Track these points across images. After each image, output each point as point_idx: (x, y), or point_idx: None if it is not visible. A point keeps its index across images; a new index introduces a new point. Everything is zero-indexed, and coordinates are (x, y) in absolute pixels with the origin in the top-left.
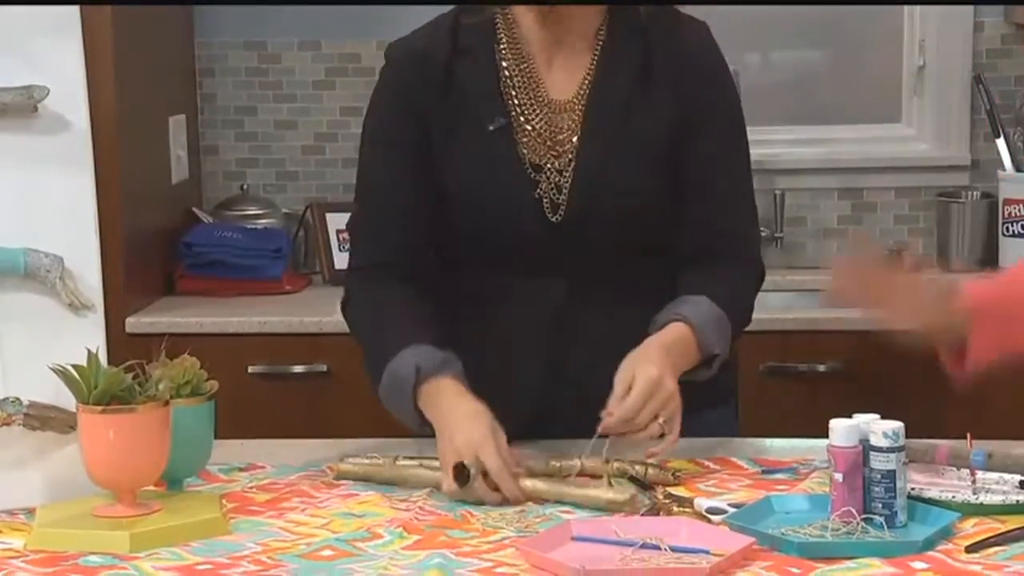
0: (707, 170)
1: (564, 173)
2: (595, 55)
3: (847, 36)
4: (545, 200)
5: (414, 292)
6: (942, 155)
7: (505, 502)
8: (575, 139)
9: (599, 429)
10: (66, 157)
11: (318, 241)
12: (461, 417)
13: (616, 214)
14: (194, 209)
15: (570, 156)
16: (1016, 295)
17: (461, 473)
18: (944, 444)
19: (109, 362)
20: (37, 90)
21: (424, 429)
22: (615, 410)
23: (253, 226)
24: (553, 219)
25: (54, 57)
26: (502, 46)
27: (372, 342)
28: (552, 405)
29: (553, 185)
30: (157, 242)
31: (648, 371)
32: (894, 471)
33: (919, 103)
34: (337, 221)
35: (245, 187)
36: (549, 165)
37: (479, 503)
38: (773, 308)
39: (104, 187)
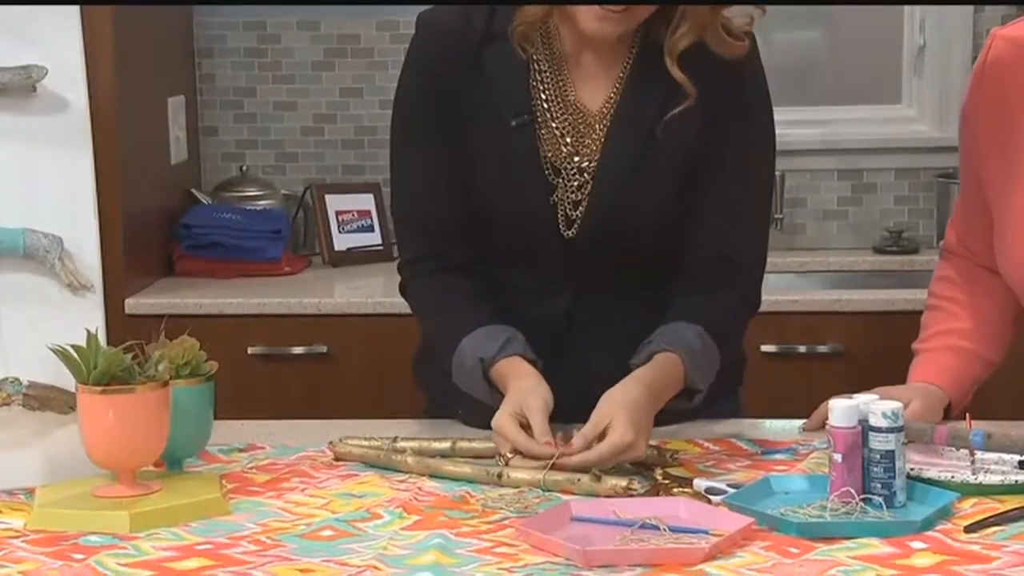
0: (720, 193)
1: (583, 190)
2: (626, 66)
3: (847, 16)
4: (560, 211)
5: (469, 279)
6: (942, 136)
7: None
8: (597, 157)
9: (553, 459)
10: (65, 137)
11: (317, 222)
12: (505, 397)
13: (631, 239)
14: (193, 190)
15: (588, 175)
16: (953, 359)
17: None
18: (943, 424)
19: (108, 343)
20: (36, 70)
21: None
22: (577, 451)
23: (252, 207)
24: (566, 234)
25: (53, 37)
26: (533, 39)
27: (436, 333)
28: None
29: (569, 197)
30: (156, 223)
31: (624, 431)
32: (893, 451)
33: (919, 83)
34: (336, 202)
35: (244, 168)
36: (568, 171)
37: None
38: (773, 290)
39: (103, 168)
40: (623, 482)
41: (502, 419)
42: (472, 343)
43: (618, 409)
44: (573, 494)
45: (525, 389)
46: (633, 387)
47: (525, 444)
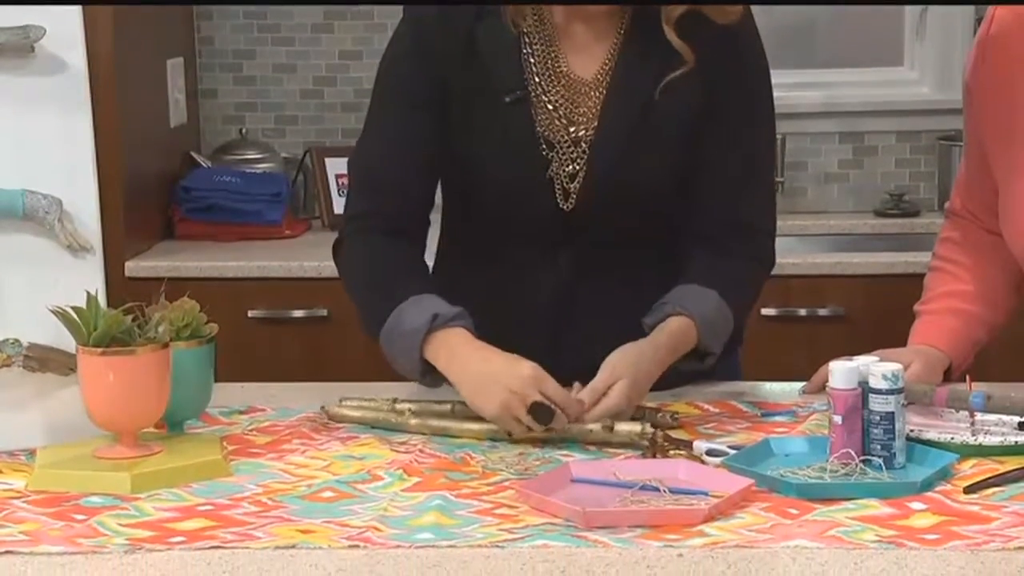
0: (727, 159)
1: (578, 162)
2: (619, 34)
3: None
4: (556, 184)
5: (414, 248)
6: (944, 98)
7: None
8: (593, 126)
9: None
10: (63, 98)
11: (317, 186)
12: (501, 362)
13: (629, 209)
14: (192, 153)
15: (585, 145)
16: (955, 321)
17: (542, 412)
18: (943, 386)
19: (108, 306)
20: (34, 30)
21: (424, 379)
22: (586, 404)
23: (252, 171)
24: (564, 206)
25: None
26: (525, 13)
27: (373, 287)
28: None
29: (565, 170)
30: (156, 186)
31: (619, 400)
32: (893, 413)
33: (921, 46)
34: (336, 166)
35: (244, 131)
36: (562, 144)
37: (477, 440)
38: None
39: (102, 130)
40: (636, 428)
41: (538, 372)
42: (424, 301)
43: (625, 375)
44: (589, 444)
45: (520, 358)
46: (648, 354)
47: (565, 398)
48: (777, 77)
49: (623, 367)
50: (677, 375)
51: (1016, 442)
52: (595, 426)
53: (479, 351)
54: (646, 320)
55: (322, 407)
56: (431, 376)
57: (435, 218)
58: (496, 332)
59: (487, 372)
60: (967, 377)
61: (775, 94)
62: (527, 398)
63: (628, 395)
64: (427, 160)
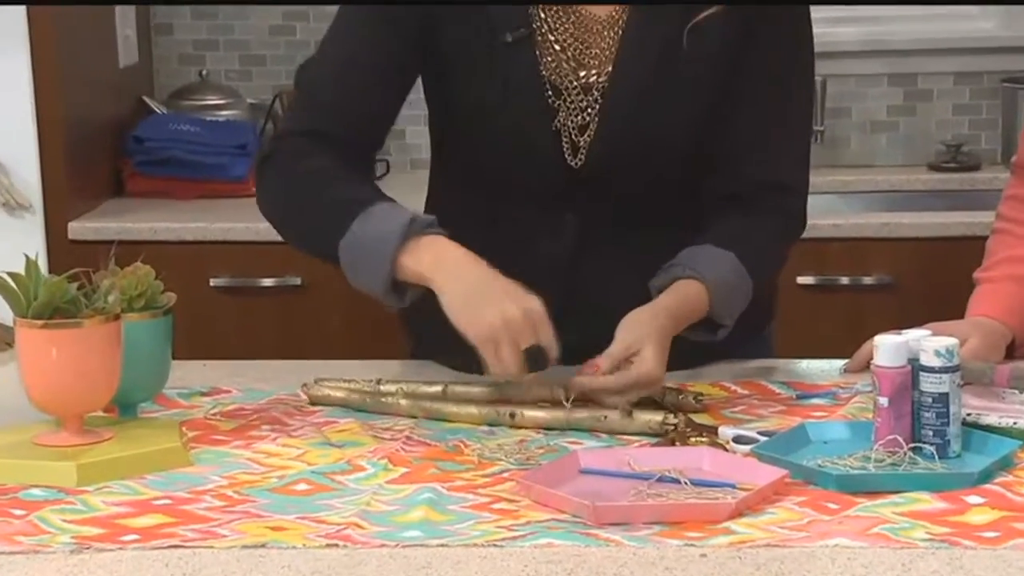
0: (757, 109)
1: (589, 112)
2: None
3: None
4: (564, 136)
5: (365, 172)
6: (1008, 35)
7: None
8: (607, 71)
9: (576, 376)
10: None
11: None
12: (506, 284)
13: (647, 165)
14: (145, 98)
15: (598, 92)
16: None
17: (538, 358)
18: (1005, 364)
19: (50, 271)
20: None
21: (388, 298)
22: (605, 373)
23: (213, 118)
24: (572, 162)
25: None
26: None
27: (325, 195)
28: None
29: (574, 120)
30: (103, 136)
31: (654, 365)
32: (947, 394)
33: None
34: None
35: (204, 73)
36: (570, 91)
37: (474, 425)
38: (812, 213)
39: (41, 71)
40: (658, 416)
41: (544, 313)
42: (396, 208)
43: (649, 338)
44: (600, 433)
45: (517, 286)
46: (662, 317)
47: (554, 350)
48: (817, 11)
49: (642, 332)
50: (699, 351)
51: None
52: (612, 413)
53: (477, 262)
54: (652, 283)
55: (303, 385)
56: (397, 294)
57: (423, 175)
58: None
59: (488, 287)
60: None
61: (814, 30)
62: (523, 334)
63: (653, 369)
64: (386, 85)
